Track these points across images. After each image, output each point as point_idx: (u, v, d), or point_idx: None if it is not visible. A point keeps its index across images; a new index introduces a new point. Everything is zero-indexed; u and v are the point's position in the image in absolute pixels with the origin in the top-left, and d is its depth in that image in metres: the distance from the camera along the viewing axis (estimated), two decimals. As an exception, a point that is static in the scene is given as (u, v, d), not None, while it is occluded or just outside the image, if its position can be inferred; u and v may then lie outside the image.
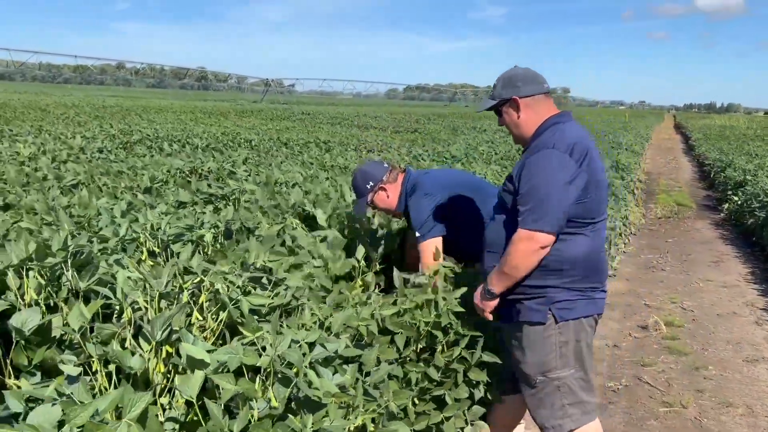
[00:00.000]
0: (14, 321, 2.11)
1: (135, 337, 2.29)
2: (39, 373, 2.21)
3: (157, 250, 2.97)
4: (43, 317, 2.19)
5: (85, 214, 3.51)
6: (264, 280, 2.58)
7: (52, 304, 2.39)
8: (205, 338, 2.35)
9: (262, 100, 65.83)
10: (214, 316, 2.37)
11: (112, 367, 2.05)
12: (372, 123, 21.52)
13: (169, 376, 2.22)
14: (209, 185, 4.56)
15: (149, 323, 2.22)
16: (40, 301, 2.33)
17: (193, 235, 3.09)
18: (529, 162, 2.44)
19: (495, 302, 2.57)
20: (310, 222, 4.04)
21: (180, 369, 2.21)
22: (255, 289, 2.53)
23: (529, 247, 2.37)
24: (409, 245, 3.56)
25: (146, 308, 2.28)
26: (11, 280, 2.30)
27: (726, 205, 11.57)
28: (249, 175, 5.62)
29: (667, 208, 12.10)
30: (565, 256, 2.46)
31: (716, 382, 4.35)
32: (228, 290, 2.40)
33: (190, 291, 2.39)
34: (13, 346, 2.13)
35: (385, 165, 3.40)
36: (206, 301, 2.37)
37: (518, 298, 2.54)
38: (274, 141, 10.76)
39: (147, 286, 2.28)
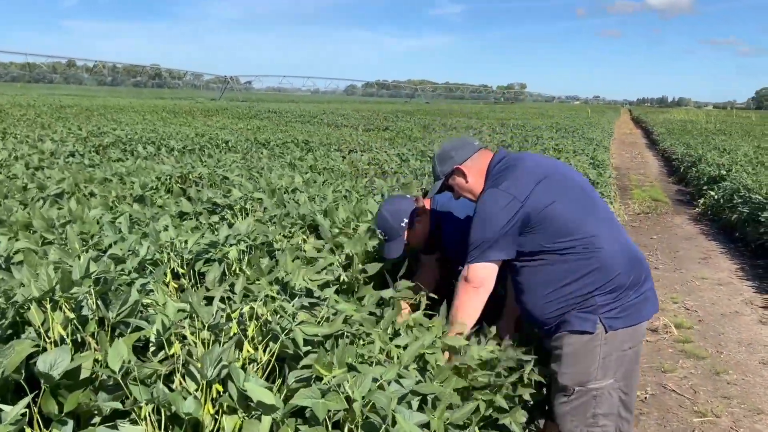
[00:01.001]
0: (42, 364, 1.84)
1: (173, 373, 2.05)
2: (71, 422, 1.94)
3: (182, 270, 2.70)
4: (73, 357, 1.93)
5: (89, 230, 3.21)
6: (304, 302, 2.35)
7: (79, 340, 2.12)
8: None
9: (221, 98, 64.76)
10: (263, 348, 2.13)
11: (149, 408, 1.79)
12: (341, 121, 21.23)
13: (217, 417, 1.98)
14: (215, 193, 4.28)
15: (198, 359, 1.99)
16: (66, 337, 2.05)
17: (217, 253, 2.83)
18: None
19: None
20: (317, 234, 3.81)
21: (226, 407, 1.98)
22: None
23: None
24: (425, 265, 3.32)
25: (195, 342, 2.02)
26: (34, 314, 2.02)
27: (702, 200, 11.67)
28: (243, 181, 5.34)
29: (644, 204, 12.16)
30: (592, 265, 2.43)
31: (740, 387, 4.26)
32: (278, 318, 2.16)
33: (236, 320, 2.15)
34: (41, 393, 1.86)
35: (409, 197, 3.18)
36: (255, 332, 2.13)
37: (564, 308, 2.48)
38: (251, 141, 10.43)
39: (193, 316, 2.03)
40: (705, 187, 12.02)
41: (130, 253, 2.95)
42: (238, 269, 2.78)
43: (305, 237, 3.42)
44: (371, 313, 2.54)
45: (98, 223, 3.38)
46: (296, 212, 3.72)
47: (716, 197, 10.77)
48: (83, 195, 4.73)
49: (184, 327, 2.03)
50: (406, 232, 3.05)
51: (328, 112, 28.09)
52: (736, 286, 6.77)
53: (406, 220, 3.03)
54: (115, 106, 26.62)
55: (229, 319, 2.13)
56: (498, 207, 2.45)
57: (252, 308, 2.15)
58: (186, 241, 2.92)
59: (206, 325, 2.02)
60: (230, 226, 3.87)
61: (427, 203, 3.13)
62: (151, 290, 2.46)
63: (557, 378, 2.51)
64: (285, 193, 4.91)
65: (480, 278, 2.50)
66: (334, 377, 1.80)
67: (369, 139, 12.50)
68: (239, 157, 7.41)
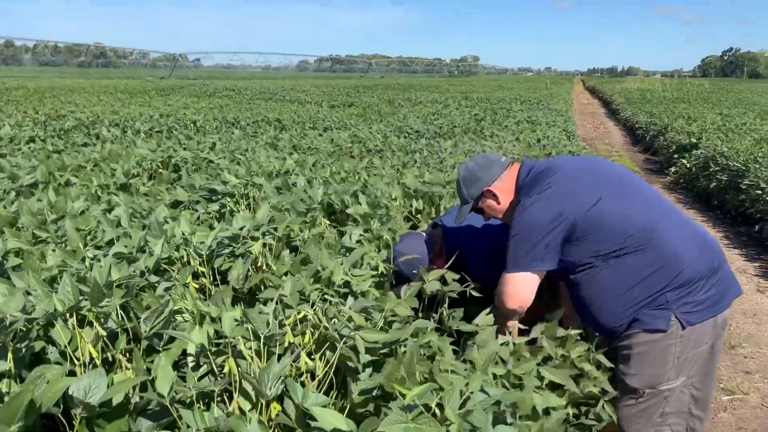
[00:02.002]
0: (76, 391, 1.58)
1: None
2: (114, 456, 1.69)
3: (202, 269, 2.42)
4: (111, 382, 1.67)
5: (85, 225, 2.89)
6: (363, 304, 2.11)
7: (110, 359, 1.85)
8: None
9: (170, 76, 63.01)
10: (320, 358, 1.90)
11: None
12: (303, 97, 20.76)
13: (275, 439, 1.75)
14: (205, 179, 3.97)
15: (254, 376, 1.74)
16: (96, 357, 1.78)
17: (238, 248, 2.56)
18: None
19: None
20: (335, 219, 3.56)
21: (283, 427, 1.75)
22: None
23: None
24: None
25: (251, 357, 1.77)
26: (60, 332, 1.74)
27: (673, 169, 11.72)
28: (230, 164, 5.03)
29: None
30: (656, 262, 2.23)
31: (758, 361, 4.20)
32: (333, 322, 1.93)
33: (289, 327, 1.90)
34: (76, 423, 1.60)
35: (421, 233, 2.95)
36: (312, 341, 1.89)
37: (633, 311, 2.27)
38: (220, 121, 10.01)
39: (248, 327, 1.77)
40: (676, 156, 12.07)
41: (138, 250, 2.67)
42: (264, 265, 2.52)
43: (327, 224, 3.17)
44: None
45: (85, 213, 3.06)
46: (314, 198, 3.45)
47: (689, 165, 10.81)
48: (59, 185, 4.37)
49: (238, 341, 1.77)
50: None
51: (288, 89, 27.48)
52: (725, 255, 6.75)
53: (420, 266, 2.84)
54: (63, 87, 25.52)
55: (281, 326, 1.88)
56: (537, 214, 2.26)
57: (306, 314, 1.91)
58: (197, 237, 2.64)
59: (262, 337, 1.76)
60: (231, 214, 3.60)
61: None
62: (174, 294, 2.19)
63: (624, 380, 2.32)
64: (278, 176, 4.63)
65: (517, 290, 2.31)
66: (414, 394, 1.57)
67: (337, 115, 12.17)
68: (217, 138, 7.04)
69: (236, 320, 1.81)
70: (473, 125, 10.14)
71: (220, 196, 3.70)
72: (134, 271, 2.31)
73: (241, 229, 2.61)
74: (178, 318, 2.09)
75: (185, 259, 2.41)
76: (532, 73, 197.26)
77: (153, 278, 2.32)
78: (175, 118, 9.88)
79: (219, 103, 16.22)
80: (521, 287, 2.29)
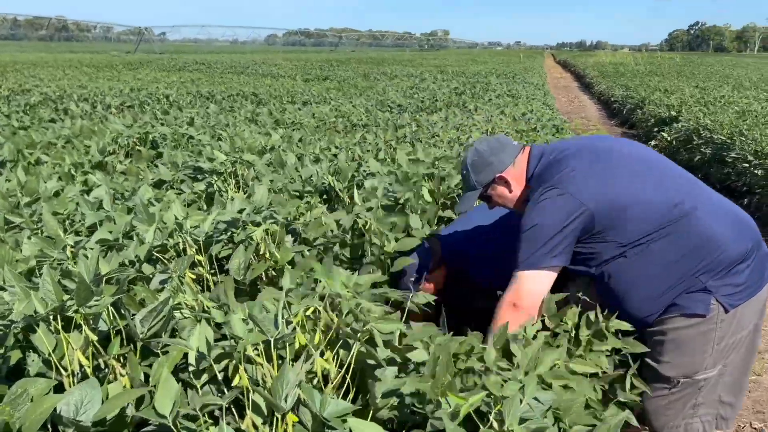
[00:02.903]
0: (65, 409, 1.35)
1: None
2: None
3: (199, 258, 2.18)
4: (106, 395, 1.44)
5: (64, 209, 2.62)
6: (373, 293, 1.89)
7: (102, 365, 1.61)
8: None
9: (137, 51, 61.43)
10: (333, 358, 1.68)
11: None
12: (276, 71, 20.27)
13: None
14: (187, 156, 3.69)
15: (265, 386, 1.53)
16: (86, 365, 1.54)
17: (238, 234, 2.31)
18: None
19: None
20: (328, 199, 3.32)
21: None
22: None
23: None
24: None
25: (262, 365, 1.54)
26: (43, 338, 1.49)
27: (653, 143, 11.65)
28: (212, 140, 4.74)
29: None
30: (690, 244, 2.03)
31: (765, 339, 4.10)
32: (347, 316, 1.71)
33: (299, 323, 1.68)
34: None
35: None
36: (323, 340, 1.67)
37: (669, 298, 2.07)
38: (194, 95, 9.62)
39: (257, 329, 1.54)
40: (655, 129, 12.01)
41: (125, 236, 2.41)
42: (267, 253, 2.28)
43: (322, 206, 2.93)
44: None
45: (70, 198, 2.78)
46: (311, 178, 3.20)
47: (669, 138, 10.75)
48: (29, 163, 4.05)
49: (246, 346, 1.54)
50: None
51: (259, 63, 26.87)
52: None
53: (411, 279, 2.66)
54: (26, 61, 24.60)
55: (289, 325, 1.65)
56: (552, 207, 2.03)
57: (317, 309, 1.68)
58: (192, 221, 2.39)
59: (272, 341, 1.53)
60: (220, 194, 3.34)
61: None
62: (171, 287, 1.94)
63: (656, 368, 2.13)
64: (264, 153, 4.36)
65: (528, 291, 2.07)
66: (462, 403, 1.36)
67: (315, 89, 11.84)
68: (194, 112, 6.71)
69: (243, 319, 1.58)
70: (455, 99, 9.91)
71: (206, 175, 3.43)
72: (124, 262, 2.06)
73: (240, 212, 2.36)
74: (176, 314, 1.86)
75: (180, 246, 2.16)
76: (502, 47, 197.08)
77: (146, 269, 2.07)
78: (147, 93, 9.46)
79: (190, 77, 15.72)
80: (535, 286, 2.07)
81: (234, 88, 11.21)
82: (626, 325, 2.01)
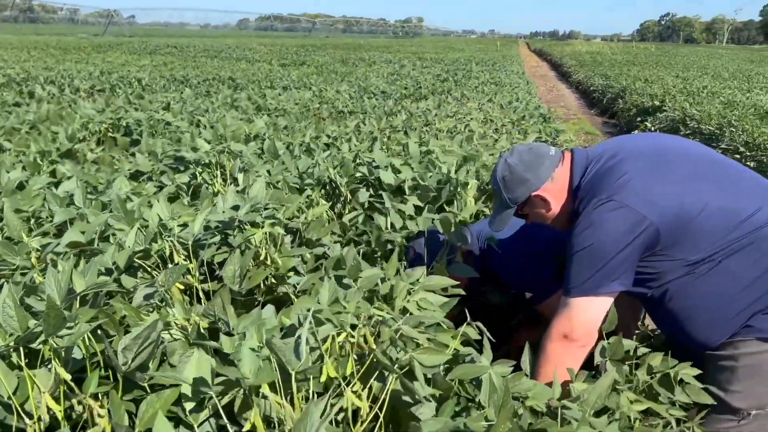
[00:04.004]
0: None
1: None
2: None
3: (189, 265, 1.87)
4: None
5: (29, 205, 2.28)
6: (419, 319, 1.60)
7: (76, 406, 1.30)
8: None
9: (105, 33, 59.97)
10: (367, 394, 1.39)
11: None
12: (251, 55, 19.76)
13: None
14: (166, 144, 3.36)
15: (284, 428, 1.25)
16: (57, 410, 1.24)
17: (234, 236, 2.01)
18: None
19: None
20: (328, 195, 3.03)
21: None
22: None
23: None
24: None
25: (280, 404, 1.25)
26: (2, 378, 1.19)
27: (636, 132, 11.52)
28: (191, 127, 4.39)
29: (581, 138, 11.92)
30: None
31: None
32: (382, 343, 1.43)
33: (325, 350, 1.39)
34: None
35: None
36: (355, 371, 1.39)
37: (740, 320, 1.78)
38: (167, 79, 9.19)
39: (275, 363, 1.25)
40: (638, 119, 11.89)
41: (100, 238, 2.09)
42: (268, 258, 1.99)
43: (325, 204, 2.63)
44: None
45: (36, 192, 2.45)
46: (309, 171, 2.90)
47: (653, 128, 10.63)
48: (-11, 151, 3.68)
49: (259, 381, 1.25)
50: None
51: (233, 47, 26.26)
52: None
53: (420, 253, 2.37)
54: (-12, 43, 23.69)
55: (319, 357, 1.36)
56: (609, 225, 1.73)
57: (350, 335, 1.40)
58: (179, 220, 2.08)
59: (293, 374, 1.25)
60: (205, 187, 3.03)
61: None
62: (158, 302, 1.64)
63: (724, 398, 1.85)
64: (248, 141, 4.04)
65: (583, 321, 1.77)
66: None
67: (295, 74, 11.45)
68: (171, 97, 6.33)
69: (253, 350, 1.29)
70: (439, 86, 9.64)
71: (190, 166, 3.11)
72: (101, 272, 1.75)
73: (235, 209, 2.06)
74: (164, 336, 1.56)
75: (166, 251, 1.85)
76: (476, 35, 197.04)
77: (125, 279, 1.76)
78: (118, 76, 9.01)
79: (162, 60, 15.17)
80: (590, 315, 1.77)
81: (209, 72, 10.78)
82: (693, 372, 1.76)
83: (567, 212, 1.96)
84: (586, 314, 1.76)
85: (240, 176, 2.97)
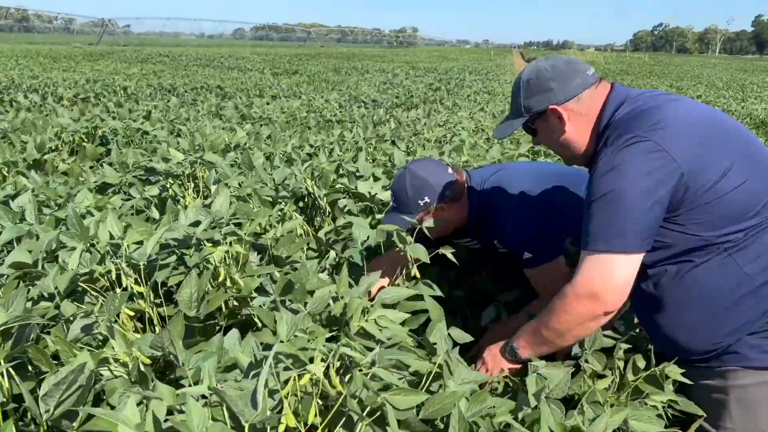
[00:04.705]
0: None
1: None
2: None
3: (139, 289, 1.69)
4: None
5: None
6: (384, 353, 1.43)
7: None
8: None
9: (99, 42, 59.84)
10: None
11: None
12: (243, 64, 19.62)
13: None
14: (139, 155, 3.18)
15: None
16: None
17: (191, 255, 1.83)
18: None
19: (516, 367, 1.74)
20: (304, 208, 2.86)
21: None
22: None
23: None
24: None
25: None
26: None
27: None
28: (169, 137, 4.22)
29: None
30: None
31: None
32: (348, 381, 1.25)
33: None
34: None
35: (450, 171, 2.20)
36: (319, 417, 1.21)
37: (732, 333, 1.58)
38: (154, 87, 9.01)
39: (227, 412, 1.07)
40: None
41: (49, 257, 1.92)
42: (227, 279, 1.81)
43: (299, 217, 2.46)
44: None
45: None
46: (285, 182, 2.73)
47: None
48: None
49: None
50: (422, 215, 2.13)
51: (226, 56, 26.12)
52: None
53: (428, 201, 2.13)
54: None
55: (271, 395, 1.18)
56: (642, 165, 1.47)
57: (312, 374, 1.22)
58: (132, 238, 1.90)
59: (246, 427, 1.07)
60: (176, 200, 2.86)
61: (464, 189, 2.22)
62: (99, 334, 1.46)
63: None
64: (228, 151, 3.87)
65: (611, 278, 1.49)
66: None
67: (285, 83, 11.30)
68: (153, 105, 6.15)
69: (204, 397, 1.12)
70: (431, 95, 9.50)
71: (160, 177, 2.93)
72: (37, 298, 1.57)
73: (195, 226, 1.88)
74: (105, 372, 1.38)
75: (113, 274, 1.67)
76: (470, 45, 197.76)
77: (67, 307, 1.57)
78: (103, 84, 8.82)
79: (153, 69, 15.00)
80: (620, 271, 1.49)
81: (198, 81, 10.61)
82: (678, 370, 1.59)
83: (585, 145, 1.72)
84: (614, 271, 1.49)
85: (213, 188, 2.80)
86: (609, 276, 1.50)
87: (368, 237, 2.20)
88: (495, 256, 2.42)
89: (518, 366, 1.73)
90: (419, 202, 2.12)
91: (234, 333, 1.61)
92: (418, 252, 1.90)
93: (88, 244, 1.89)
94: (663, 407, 1.61)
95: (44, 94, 7.57)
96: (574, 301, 1.54)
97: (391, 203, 2.25)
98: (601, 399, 1.52)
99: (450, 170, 2.20)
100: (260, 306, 1.79)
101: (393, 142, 4.32)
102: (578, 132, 1.72)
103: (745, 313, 1.56)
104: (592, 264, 1.52)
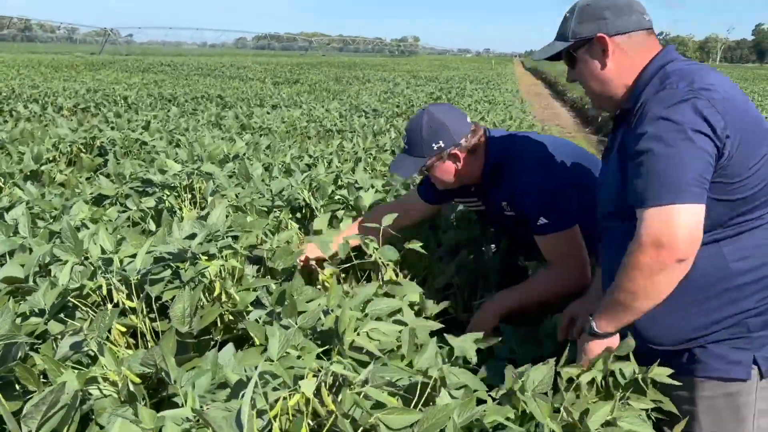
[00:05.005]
0: None
1: None
2: None
3: (130, 304, 1.66)
4: None
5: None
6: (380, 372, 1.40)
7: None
8: None
9: (102, 52, 60.05)
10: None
11: None
12: (245, 73, 19.66)
13: None
14: (137, 166, 3.16)
15: None
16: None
17: (186, 269, 1.80)
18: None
19: (611, 341, 1.61)
20: (302, 218, 2.83)
21: None
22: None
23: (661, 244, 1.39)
24: None
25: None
26: None
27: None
28: (168, 147, 4.20)
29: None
30: (755, 257, 1.51)
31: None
32: (341, 401, 1.22)
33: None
34: None
35: (469, 120, 2.14)
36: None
37: (695, 337, 1.56)
38: (155, 96, 9.02)
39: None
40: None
41: (42, 271, 1.89)
42: (223, 293, 1.78)
43: (296, 227, 2.43)
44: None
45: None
46: (282, 193, 2.70)
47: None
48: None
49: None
50: (434, 160, 2.09)
51: (227, 65, 26.18)
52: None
53: (442, 145, 2.06)
54: (-19, 61, 23.57)
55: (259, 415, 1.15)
56: (694, 121, 1.40)
57: (302, 394, 1.19)
58: (124, 251, 1.88)
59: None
60: (173, 213, 2.83)
61: (482, 142, 2.15)
62: (91, 351, 1.43)
63: None
64: (227, 161, 3.85)
65: (684, 230, 1.38)
66: None
67: (285, 92, 11.30)
68: (152, 115, 6.13)
69: (187, 419, 1.08)
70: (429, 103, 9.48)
71: (157, 189, 2.91)
72: (28, 313, 1.54)
73: (191, 237, 1.85)
74: (94, 392, 1.35)
75: (104, 290, 1.64)
76: (471, 54, 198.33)
77: (69, 332, 1.54)
78: (103, 94, 8.82)
79: (154, 78, 15.02)
80: (684, 218, 1.39)
81: (199, 90, 10.62)
82: (665, 372, 1.55)
83: (622, 89, 1.64)
84: (685, 220, 1.39)
85: (210, 200, 2.77)
86: (674, 224, 1.39)
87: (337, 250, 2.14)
88: (496, 222, 2.36)
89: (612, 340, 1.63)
90: (433, 145, 2.06)
91: (229, 348, 1.59)
92: (388, 254, 1.89)
93: (81, 258, 1.86)
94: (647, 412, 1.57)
95: (44, 104, 7.57)
96: (639, 253, 1.42)
97: (402, 144, 2.19)
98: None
99: (469, 120, 2.15)
100: (256, 320, 1.77)
101: (393, 152, 4.30)
102: (619, 72, 1.63)
103: (718, 311, 1.53)
104: (652, 217, 1.41)
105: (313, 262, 2.29)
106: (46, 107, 7.33)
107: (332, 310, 1.64)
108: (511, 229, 2.31)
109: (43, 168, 3.55)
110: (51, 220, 2.46)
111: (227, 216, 2.17)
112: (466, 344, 1.59)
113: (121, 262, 1.86)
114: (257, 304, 1.86)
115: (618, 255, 1.51)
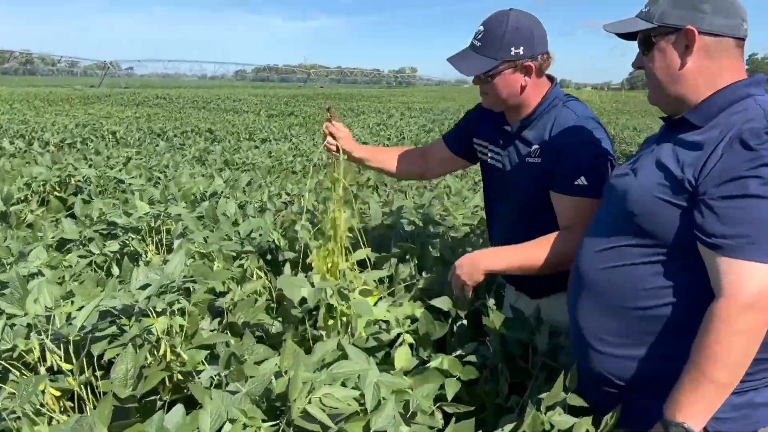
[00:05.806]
0: None
1: None
2: None
3: (67, 367, 1.54)
4: None
5: None
6: None
7: None
8: None
9: (101, 85, 60.49)
10: None
11: None
12: (240, 106, 19.69)
13: None
14: (109, 206, 3.05)
15: None
16: None
17: (130, 326, 1.68)
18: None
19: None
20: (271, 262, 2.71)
21: None
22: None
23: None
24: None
25: None
26: None
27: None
28: (146, 185, 4.10)
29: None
30: None
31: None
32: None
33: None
34: None
35: (549, 49, 1.95)
36: None
37: (642, 355, 1.46)
38: (144, 131, 8.95)
39: None
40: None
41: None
42: (169, 351, 1.66)
43: (263, 275, 2.32)
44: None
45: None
46: (250, 235, 2.59)
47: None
48: None
49: None
50: (506, 65, 1.88)
51: (224, 97, 26.27)
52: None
53: (521, 53, 1.86)
54: (-21, 95, 23.63)
55: None
56: None
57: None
58: (68, 307, 1.76)
59: None
60: (135, 259, 2.72)
61: (546, 82, 2.01)
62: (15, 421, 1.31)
63: None
64: (203, 200, 3.75)
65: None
66: None
67: (276, 125, 11.26)
68: (133, 152, 6.05)
69: None
70: (423, 136, 9.44)
71: (122, 232, 2.80)
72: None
73: (144, 289, 1.73)
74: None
75: (35, 352, 1.52)
76: (469, 84, 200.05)
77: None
78: (91, 129, 8.75)
79: (148, 112, 15.00)
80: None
81: (190, 124, 10.56)
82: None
83: (692, 95, 1.46)
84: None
85: (176, 243, 2.66)
86: (763, 285, 1.25)
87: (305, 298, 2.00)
88: (506, 175, 2.16)
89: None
90: (512, 49, 1.85)
91: (178, 410, 1.46)
92: (363, 309, 1.78)
93: (24, 313, 1.75)
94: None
95: (30, 139, 7.49)
96: (741, 315, 1.25)
97: (471, 41, 1.93)
98: None
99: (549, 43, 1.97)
100: (212, 377, 1.64)
101: (375, 188, 4.20)
102: (697, 75, 1.45)
103: (671, 345, 1.40)
104: (761, 273, 1.26)
105: (333, 147, 2.26)
106: (32, 143, 7.25)
107: (285, 373, 1.52)
108: (519, 183, 2.07)
109: (12, 209, 3.45)
110: (5, 268, 2.34)
111: (186, 264, 2.05)
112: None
113: (69, 316, 1.75)
114: (216, 360, 1.73)
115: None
